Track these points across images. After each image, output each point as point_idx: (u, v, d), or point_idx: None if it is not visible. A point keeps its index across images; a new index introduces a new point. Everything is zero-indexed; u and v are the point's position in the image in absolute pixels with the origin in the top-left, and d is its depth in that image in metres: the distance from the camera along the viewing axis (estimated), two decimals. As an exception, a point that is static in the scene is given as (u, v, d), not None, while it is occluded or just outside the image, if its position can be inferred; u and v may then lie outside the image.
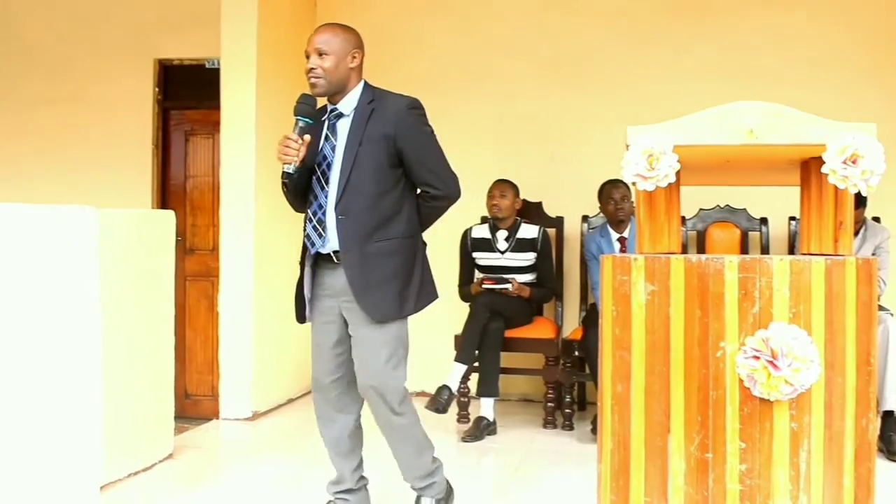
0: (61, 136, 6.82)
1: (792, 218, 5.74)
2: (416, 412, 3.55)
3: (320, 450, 3.69)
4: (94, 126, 6.77)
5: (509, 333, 5.37)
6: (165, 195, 6.75)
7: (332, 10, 6.41)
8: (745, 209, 5.83)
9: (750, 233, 5.84)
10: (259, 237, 5.63)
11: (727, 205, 5.85)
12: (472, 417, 5.38)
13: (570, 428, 5.39)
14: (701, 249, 5.82)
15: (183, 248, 6.50)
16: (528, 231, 5.62)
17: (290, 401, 6.10)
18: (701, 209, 5.87)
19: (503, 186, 5.61)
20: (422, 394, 6.15)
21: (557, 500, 4.11)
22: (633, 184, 2.43)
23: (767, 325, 2.31)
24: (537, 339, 5.50)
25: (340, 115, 3.44)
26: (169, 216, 4.78)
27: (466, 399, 5.54)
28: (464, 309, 5.45)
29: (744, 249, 5.80)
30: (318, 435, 3.64)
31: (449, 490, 3.71)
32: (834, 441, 2.31)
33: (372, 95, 3.45)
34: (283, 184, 3.44)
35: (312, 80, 3.38)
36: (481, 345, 5.23)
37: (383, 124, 3.37)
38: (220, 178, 5.80)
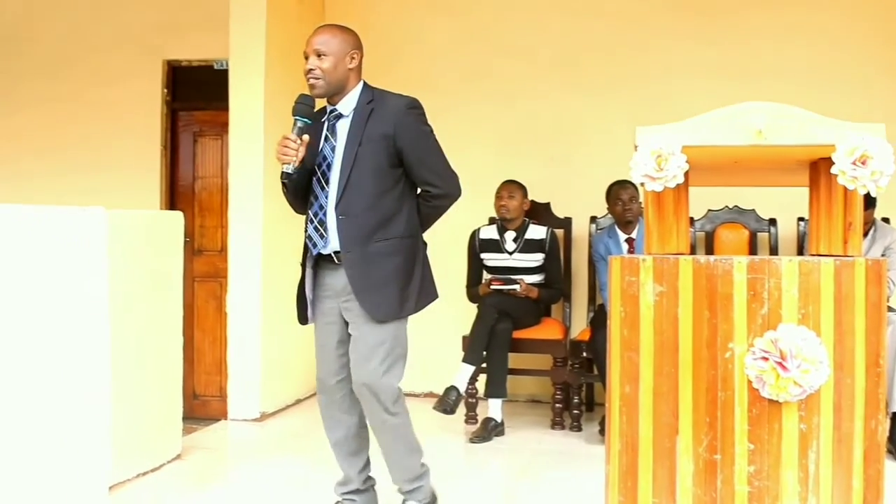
0: (71, 137, 6.83)
1: (801, 219, 5.72)
2: (409, 413, 3.54)
3: (328, 450, 3.69)
4: (103, 127, 6.78)
5: (517, 334, 5.36)
6: (174, 196, 6.76)
7: (341, 11, 6.42)
8: (753, 210, 5.82)
9: (758, 234, 5.82)
10: (267, 238, 5.64)
11: (736, 206, 5.84)
12: (480, 418, 5.38)
13: (579, 429, 5.39)
14: (709, 250, 5.81)
15: (191, 249, 6.51)
16: (536, 232, 5.62)
17: (298, 401, 6.10)
18: (709, 210, 5.86)
19: (511, 187, 5.61)
20: (430, 395, 6.15)
21: (565, 502, 4.10)
22: (642, 184, 2.43)
23: (776, 326, 2.31)
24: (545, 340, 5.49)
25: (340, 116, 3.45)
26: (177, 217, 4.79)
27: (474, 400, 5.54)
28: (472, 310, 5.45)
29: (752, 250, 5.78)
30: (326, 436, 3.64)
31: (434, 497, 3.70)
32: (843, 442, 2.31)
33: (371, 95, 3.46)
34: (283, 184, 3.45)
35: (311, 81, 3.39)
36: (489, 346, 5.22)
37: (383, 124, 3.37)
38: (228, 179, 5.81)
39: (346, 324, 3.46)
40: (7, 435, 3.15)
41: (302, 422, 5.61)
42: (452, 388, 5.07)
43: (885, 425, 2.36)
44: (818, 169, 2.52)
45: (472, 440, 5.17)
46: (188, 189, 6.74)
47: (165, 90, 6.75)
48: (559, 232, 5.89)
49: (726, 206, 5.85)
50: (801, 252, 5.66)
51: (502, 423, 5.31)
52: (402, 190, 3.44)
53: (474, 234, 5.73)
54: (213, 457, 4.91)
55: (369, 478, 3.69)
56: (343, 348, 3.50)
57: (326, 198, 3.40)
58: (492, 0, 6.40)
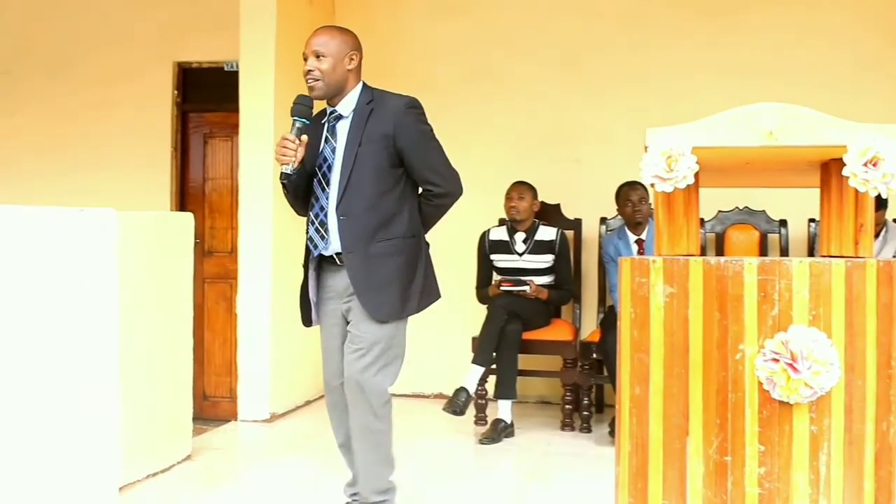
0: (81, 138, 6.85)
1: (811, 220, 5.71)
2: (392, 423, 3.50)
3: (337, 452, 3.69)
4: (113, 128, 6.79)
5: (527, 335, 5.36)
6: (184, 197, 6.78)
7: (350, 12, 6.43)
8: (764, 211, 5.80)
9: (769, 235, 5.81)
10: (277, 239, 5.65)
11: (746, 207, 5.83)
12: (490, 419, 5.37)
13: (588, 430, 5.38)
14: (720, 251, 5.80)
15: (201, 250, 6.52)
16: (546, 233, 5.61)
17: (308, 402, 6.11)
18: (720, 211, 5.84)
19: (521, 188, 5.60)
20: (439, 396, 6.15)
21: (575, 503, 4.10)
22: (652, 185, 2.42)
23: (787, 327, 2.30)
24: (555, 342, 5.49)
25: (340, 117, 3.46)
26: (187, 218, 4.80)
27: (484, 401, 5.53)
28: (481, 311, 5.45)
29: (763, 251, 5.77)
30: (334, 436, 3.65)
31: None
32: (854, 444, 2.30)
33: (371, 96, 3.46)
34: (283, 185, 3.45)
35: (310, 83, 3.39)
36: (499, 347, 5.22)
37: (382, 124, 3.38)
38: (238, 180, 5.82)
39: (349, 324, 3.47)
40: (17, 436, 3.16)
41: (311, 423, 5.61)
42: (462, 390, 5.07)
43: (897, 427, 2.35)
44: (829, 170, 2.51)
45: (481, 441, 5.16)
46: (198, 190, 6.76)
47: (176, 92, 6.76)
48: (569, 233, 5.88)
49: (736, 208, 5.84)
50: (811, 253, 5.64)
51: (512, 425, 5.31)
52: (402, 190, 3.44)
53: (484, 235, 5.73)
54: (223, 458, 4.92)
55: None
56: None
57: (327, 199, 3.41)
58: (507, 2, 6.40)
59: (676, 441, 2.37)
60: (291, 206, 3.62)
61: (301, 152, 3.35)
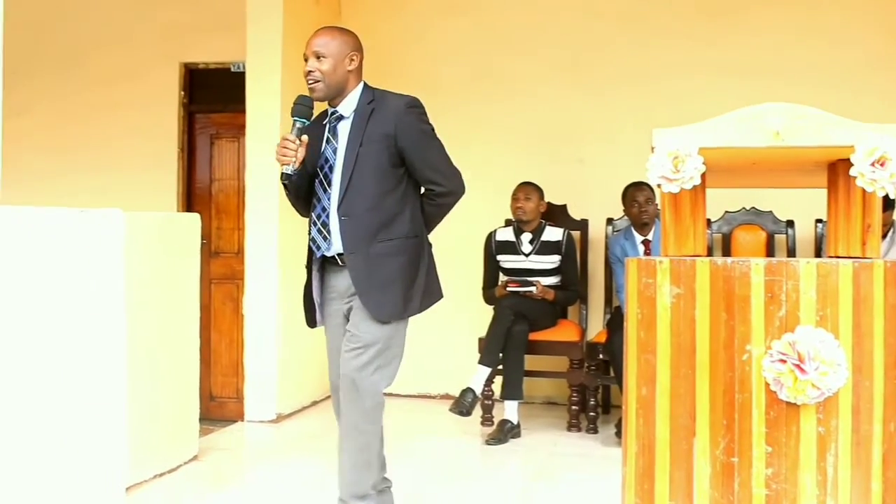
0: (87, 138, 6.86)
1: (819, 220, 5.69)
2: (383, 428, 3.45)
3: (344, 452, 3.69)
4: (120, 129, 6.81)
5: (533, 336, 5.36)
6: (191, 198, 6.78)
7: (356, 12, 6.44)
8: (771, 211, 5.80)
9: (776, 235, 5.80)
10: (283, 240, 5.65)
11: (753, 207, 5.82)
12: (496, 420, 5.37)
13: (595, 431, 5.38)
14: (726, 252, 5.79)
15: (208, 251, 6.52)
16: (553, 234, 5.61)
17: (315, 403, 6.11)
18: (726, 212, 5.84)
19: (527, 189, 5.60)
20: (446, 396, 6.16)
21: (582, 504, 4.10)
22: (658, 186, 2.42)
23: (794, 328, 2.30)
24: (562, 342, 5.48)
25: (341, 118, 3.44)
26: (194, 219, 4.81)
27: (490, 402, 5.53)
28: (488, 312, 5.45)
29: (770, 252, 5.76)
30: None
31: None
32: (862, 445, 2.29)
33: (371, 96, 3.44)
34: (284, 185, 3.45)
35: (311, 84, 3.38)
36: (505, 347, 5.22)
37: (383, 124, 3.36)
38: (245, 181, 5.83)
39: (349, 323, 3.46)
40: (23, 437, 3.16)
41: (318, 423, 5.62)
42: (468, 390, 5.07)
43: (905, 428, 2.35)
44: (836, 170, 2.51)
45: (487, 442, 5.16)
46: (205, 191, 6.76)
47: (182, 92, 6.77)
48: (576, 234, 5.88)
49: (743, 208, 5.83)
50: (818, 254, 5.63)
51: (518, 425, 5.30)
52: (404, 190, 3.42)
53: (490, 235, 5.73)
54: (230, 458, 4.92)
55: (385, 479, 3.68)
56: None
57: (329, 200, 3.39)
58: (506, 1, 6.40)
59: (683, 442, 2.36)
60: (293, 206, 3.61)
61: (301, 153, 3.34)
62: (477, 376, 5.14)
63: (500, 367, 5.30)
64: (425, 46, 6.46)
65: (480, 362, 5.20)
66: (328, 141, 3.45)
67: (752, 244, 5.78)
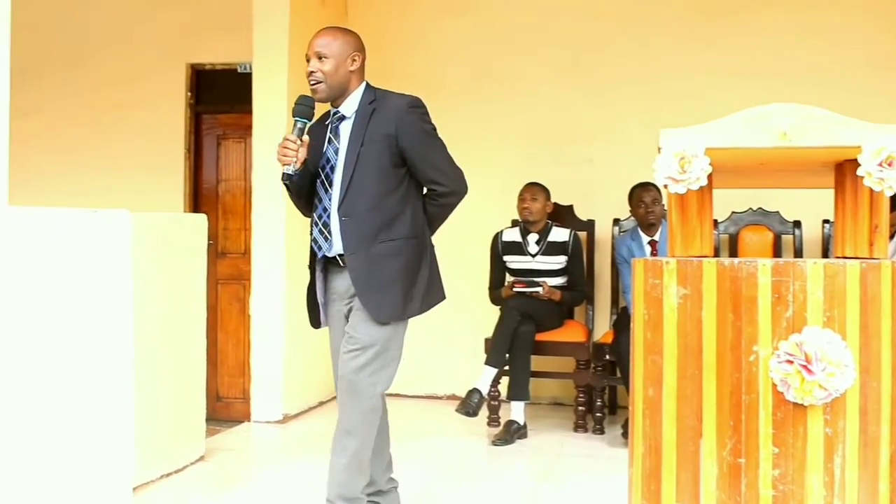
0: (94, 139, 6.87)
1: (826, 221, 5.68)
2: (375, 433, 3.41)
3: (351, 452, 3.69)
4: (126, 129, 6.82)
5: (540, 337, 5.36)
6: (197, 198, 6.79)
7: (362, 13, 6.44)
8: (778, 212, 5.78)
9: (783, 236, 5.79)
10: (290, 241, 5.65)
11: (760, 208, 5.81)
12: (503, 421, 5.37)
13: (601, 432, 5.37)
14: (733, 253, 5.78)
15: (215, 252, 6.53)
16: (559, 234, 5.61)
17: (321, 403, 6.12)
18: (733, 212, 5.83)
19: (534, 189, 5.60)
20: (452, 397, 6.16)
21: (588, 505, 4.10)
22: (665, 186, 2.42)
23: (801, 329, 2.29)
24: (568, 343, 5.48)
25: (343, 118, 3.43)
26: (201, 220, 4.81)
27: (497, 402, 5.53)
28: (494, 312, 5.45)
29: (777, 253, 5.75)
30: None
31: None
32: (869, 446, 2.29)
33: (373, 96, 3.43)
34: (285, 185, 3.44)
35: (313, 85, 3.37)
36: (512, 348, 5.22)
37: (384, 124, 3.35)
38: (251, 181, 5.84)
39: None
40: (31, 436, 3.17)
41: (324, 423, 5.62)
42: (475, 391, 5.07)
43: (912, 429, 2.34)
44: (844, 170, 2.50)
45: (494, 443, 5.16)
46: (212, 192, 6.77)
47: (189, 93, 6.78)
48: (582, 234, 5.87)
49: (750, 209, 5.82)
50: (825, 254, 5.62)
51: (525, 426, 5.30)
52: (406, 190, 3.40)
53: (497, 236, 5.73)
54: (236, 458, 4.93)
55: (391, 479, 3.68)
56: None
57: (330, 200, 3.38)
58: (512, 2, 6.40)
59: (690, 443, 2.36)
60: (296, 206, 3.61)
61: (302, 153, 3.33)
62: (483, 377, 5.14)
63: (507, 367, 5.30)
64: (431, 47, 6.47)
65: (487, 363, 5.20)
66: (329, 141, 3.44)
67: (758, 245, 5.77)
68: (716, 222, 5.67)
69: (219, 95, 6.76)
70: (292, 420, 5.72)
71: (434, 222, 3.53)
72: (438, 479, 4.44)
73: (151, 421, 4.15)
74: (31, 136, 6.78)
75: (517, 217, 5.72)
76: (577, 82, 6.24)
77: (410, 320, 3.47)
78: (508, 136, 6.31)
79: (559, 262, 5.57)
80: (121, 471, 3.45)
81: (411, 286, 3.38)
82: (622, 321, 5.29)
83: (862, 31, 5.89)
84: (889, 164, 2.27)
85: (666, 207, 5.18)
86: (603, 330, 5.92)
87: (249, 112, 5.75)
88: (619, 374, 5.43)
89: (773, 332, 2.31)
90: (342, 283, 3.42)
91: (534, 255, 5.58)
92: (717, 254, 5.54)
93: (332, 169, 3.40)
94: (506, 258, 5.66)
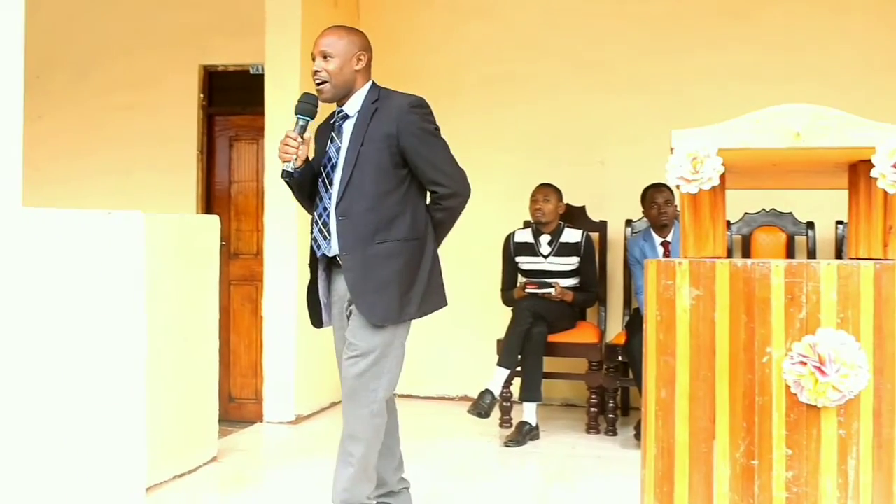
0: (107, 140, 6.90)
1: (839, 222, 5.66)
2: (381, 438, 3.40)
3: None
4: (139, 131, 6.84)
5: (552, 338, 5.35)
6: (210, 200, 6.81)
7: (375, 15, 6.44)
8: (791, 213, 5.77)
9: (796, 237, 5.77)
10: (303, 242, 5.66)
11: (773, 208, 5.79)
12: (515, 422, 5.36)
13: (614, 433, 5.36)
14: (746, 254, 5.76)
15: (227, 253, 6.55)
16: (572, 235, 5.60)
17: (334, 404, 6.12)
18: (746, 213, 5.81)
19: (546, 190, 5.59)
20: (464, 398, 6.16)
21: (601, 506, 4.09)
22: (677, 187, 2.41)
23: (815, 330, 2.28)
24: (580, 344, 5.47)
25: (346, 117, 3.41)
26: (214, 221, 4.82)
27: (509, 403, 5.52)
28: (506, 313, 5.44)
29: (790, 254, 5.73)
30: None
31: None
32: (883, 448, 2.28)
33: (377, 95, 3.40)
34: (287, 183, 3.42)
35: (318, 85, 3.35)
36: (524, 349, 5.21)
37: (386, 124, 3.31)
38: (264, 182, 5.85)
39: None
40: (44, 437, 3.18)
41: (337, 424, 5.58)
42: (487, 392, 5.07)
43: (927, 431, 2.33)
44: (857, 171, 2.49)
45: (506, 444, 5.16)
46: (224, 193, 6.79)
47: (202, 95, 6.80)
48: (594, 235, 5.87)
49: (763, 209, 5.80)
50: (839, 256, 5.60)
51: (537, 427, 5.30)
52: (406, 191, 3.36)
53: (509, 237, 5.72)
54: (249, 459, 4.93)
55: (403, 479, 3.67)
56: None
57: (330, 199, 3.35)
58: (525, 3, 6.40)
59: (703, 444, 2.35)
60: (300, 204, 3.59)
61: (303, 151, 3.32)
62: (495, 378, 5.14)
63: (519, 368, 5.30)
64: (444, 49, 6.47)
65: (499, 364, 5.19)
66: (332, 140, 3.42)
67: (771, 246, 5.75)
68: (728, 223, 5.65)
69: (231, 97, 6.78)
70: (305, 421, 5.73)
71: (441, 228, 3.48)
72: (450, 480, 4.43)
73: (164, 422, 4.16)
74: (44, 139, 6.82)
75: (529, 218, 5.72)
76: (589, 84, 6.24)
77: (421, 322, 3.45)
78: (520, 138, 6.30)
79: (571, 263, 5.56)
80: (133, 471, 3.46)
81: (408, 289, 3.32)
82: (634, 322, 5.28)
83: (876, 32, 5.86)
84: (903, 165, 2.26)
85: (678, 208, 5.18)
86: (615, 331, 5.91)
87: (262, 113, 5.77)
88: (631, 376, 5.42)
89: (786, 334, 2.30)
90: (342, 283, 3.39)
91: (546, 257, 5.58)
92: (729, 255, 5.52)
93: (333, 168, 3.38)
94: (518, 259, 5.66)
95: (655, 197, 5.39)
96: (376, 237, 3.29)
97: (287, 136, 3.33)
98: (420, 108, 3.38)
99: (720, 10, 6.06)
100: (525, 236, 5.67)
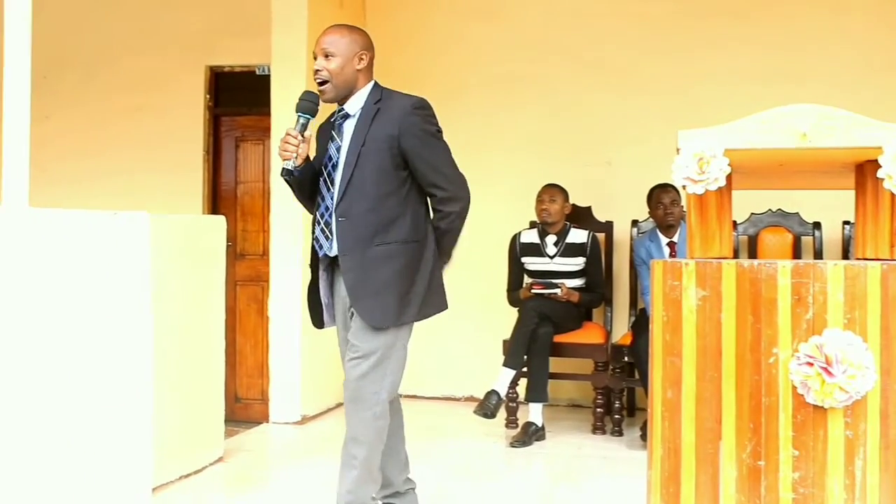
0: (113, 141, 6.91)
1: (846, 222, 5.65)
2: (384, 439, 3.38)
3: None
4: (145, 131, 6.85)
5: (558, 338, 5.35)
6: (216, 200, 6.82)
7: (381, 16, 6.44)
8: (797, 213, 5.76)
9: (803, 237, 5.76)
10: (308, 242, 5.65)
11: (779, 209, 5.78)
12: (521, 423, 5.36)
13: (620, 434, 5.36)
14: (753, 254, 5.75)
15: (233, 253, 6.55)
16: (578, 236, 5.59)
17: (339, 405, 6.11)
18: (752, 213, 5.80)
19: (552, 191, 5.59)
20: (470, 398, 6.15)
21: (607, 507, 4.09)
22: (683, 187, 2.41)
23: (821, 331, 2.28)
24: (586, 345, 5.46)
25: (347, 116, 3.39)
26: (220, 221, 4.83)
27: (515, 404, 5.52)
28: (512, 314, 5.44)
29: (796, 254, 5.72)
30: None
31: None
32: (890, 449, 2.27)
33: (379, 95, 3.38)
34: (286, 182, 3.40)
35: (320, 86, 3.33)
36: (530, 350, 5.21)
37: (388, 124, 3.29)
38: (270, 183, 5.85)
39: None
40: (51, 438, 3.19)
41: (342, 425, 5.59)
42: (493, 393, 5.06)
43: (934, 432, 2.32)
44: (864, 171, 2.49)
45: (512, 444, 5.15)
46: (230, 193, 6.80)
47: (208, 96, 6.81)
48: (600, 236, 5.86)
49: (769, 210, 5.79)
50: (846, 256, 5.59)
51: (543, 428, 5.29)
52: (407, 193, 3.33)
53: (515, 237, 5.72)
54: (255, 459, 4.94)
55: (409, 479, 3.67)
56: None
57: (332, 199, 3.33)
58: (531, 4, 6.39)
59: (709, 445, 2.35)
60: (301, 203, 3.57)
61: (304, 149, 3.30)
62: (501, 378, 5.13)
63: (525, 369, 5.29)
64: (450, 49, 6.46)
65: (505, 364, 5.19)
66: (332, 139, 3.39)
67: (778, 246, 5.74)
68: (735, 224, 5.64)
69: (237, 97, 6.78)
70: (311, 421, 5.73)
71: (446, 239, 3.42)
72: (456, 481, 4.43)
73: (170, 422, 4.17)
74: (51, 139, 6.83)
75: (535, 218, 5.71)
76: (596, 84, 6.23)
77: (427, 322, 3.44)
78: (526, 138, 6.30)
79: (577, 263, 5.56)
80: (140, 472, 3.46)
81: (407, 291, 3.30)
82: (640, 323, 5.28)
83: (882, 33, 5.85)
84: (910, 165, 2.25)
85: (685, 209, 5.17)
86: (621, 331, 5.90)
87: (268, 114, 5.77)
88: (637, 376, 5.41)
89: (792, 334, 2.30)
90: (343, 284, 3.37)
91: (552, 257, 5.57)
92: (736, 255, 5.51)
93: (334, 167, 3.35)
94: (524, 260, 5.65)
95: (661, 197, 5.39)
96: (376, 239, 3.28)
97: (288, 135, 3.31)
98: (422, 109, 3.35)
99: (725, 10, 6.05)
100: (531, 237, 5.67)
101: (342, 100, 3.39)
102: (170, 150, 6.78)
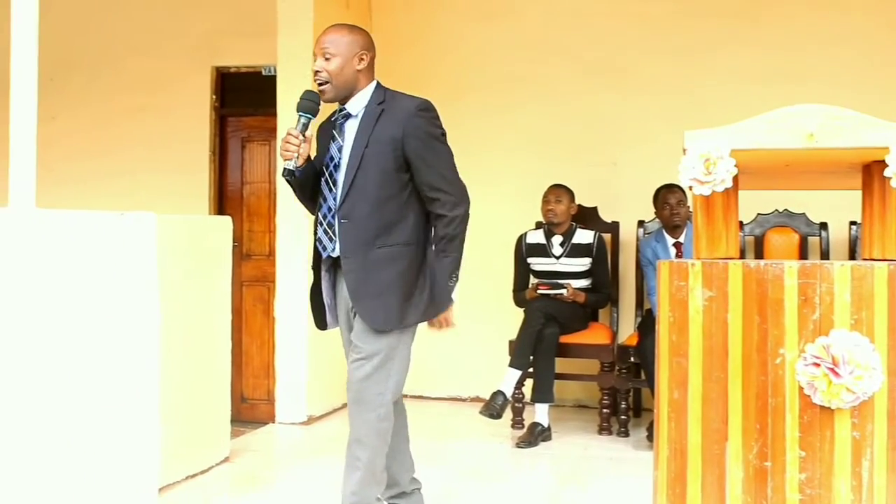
0: (120, 141, 6.92)
1: (853, 223, 5.64)
2: (388, 441, 3.37)
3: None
4: (152, 132, 6.86)
5: (564, 339, 5.34)
6: (222, 201, 6.83)
7: (387, 16, 6.45)
8: (804, 214, 5.74)
9: (809, 238, 5.75)
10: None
11: (786, 209, 5.77)
12: (527, 423, 5.36)
13: (626, 434, 5.35)
14: (759, 255, 5.74)
15: (240, 254, 6.56)
16: (584, 236, 5.59)
17: (346, 405, 6.05)
18: (759, 214, 5.79)
19: (558, 191, 5.58)
20: (476, 399, 6.15)
21: (613, 508, 4.08)
22: (690, 188, 2.40)
23: (828, 331, 2.27)
24: (592, 345, 5.46)
25: (349, 116, 3.36)
26: (226, 222, 4.83)
27: (521, 405, 5.51)
28: (518, 314, 5.44)
29: (803, 255, 5.71)
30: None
31: None
32: (897, 450, 2.27)
33: (383, 96, 3.34)
34: (287, 182, 3.38)
35: (319, 86, 3.30)
36: (536, 350, 5.21)
37: (391, 126, 3.26)
38: (276, 184, 5.85)
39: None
40: (58, 438, 3.20)
41: (348, 425, 5.62)
42: (499, 393, 5.06)
43: (941, 433, 2.31)
44: (871, 172, 2.48)
45: (518, 445, 5.15)
46: (236, 194, 6.81)
47: (214, 96, 6.82)
48: (606, 236, 5.85)
49: (776, 210, 5.78)
50: (853, 256, 5.57)
51: (549, 428, 5.29)
52: (409, 196, 3.30)
53: (521, 238, 5.72)
54: (261, 459, 4.94)
55: (414, 479, 3.66)
56: None
57: (335, 199, 3.31)
58: (537, 5, 6.39)
59: (715, 446, 2.35)
60: (301, 203, 3.54)
61: (305, 149, 3.28)
62: (507, 379, 5.13)
63: (531, 370, 5.29)
64: (456, 50, 6.46)
65: (511, 365, 5.19)
66: (334, 138, 3.37)
67: (784, 247, 5.73)
68: (741, 224, 5.63)
69: (243, 98, 6.79)
70: (317, 421, 5.73)
71: (449, 247, 3.32)
72: (462, 481, 4.43)
73: (177, 422, 4.17)
74: (58, 140, 6.84)
75: (542, 219, 5.71)
76: (602, 85, 6.22)
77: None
78: (532, 139, 6.29)
79: (583, 264, 5.56)
80: (146, 472, 3.47)
81: (410, 294, 3.28)
82: (647, 323, 5.27)
83: (883, 32, 5.83)
84: (917, 166, 2.25)
85: (691, 209, 5.17)
86: (627, 332, 5.89)
87: (274, 114, 5.77)
88: (643, 377, 5.41)
89: (799, 335, 2.29)
90: (345, 285, 3.35)
91: (558, 257, 5.57)
92: (742, 256, 5.51)
93: (336, 168, 3.33)
94: (530, 260, 5.65)
95: (668, 198, 5.38)
96: (378, 241, 3.26)
97: (289, 134, 3.28)
98: (427, 111, 3.33)
99: (732, 11, 6.04)
100: (537, 237, 5.67)
101: (343, 100, 3.36)
102: (176, 150, 6.79)
